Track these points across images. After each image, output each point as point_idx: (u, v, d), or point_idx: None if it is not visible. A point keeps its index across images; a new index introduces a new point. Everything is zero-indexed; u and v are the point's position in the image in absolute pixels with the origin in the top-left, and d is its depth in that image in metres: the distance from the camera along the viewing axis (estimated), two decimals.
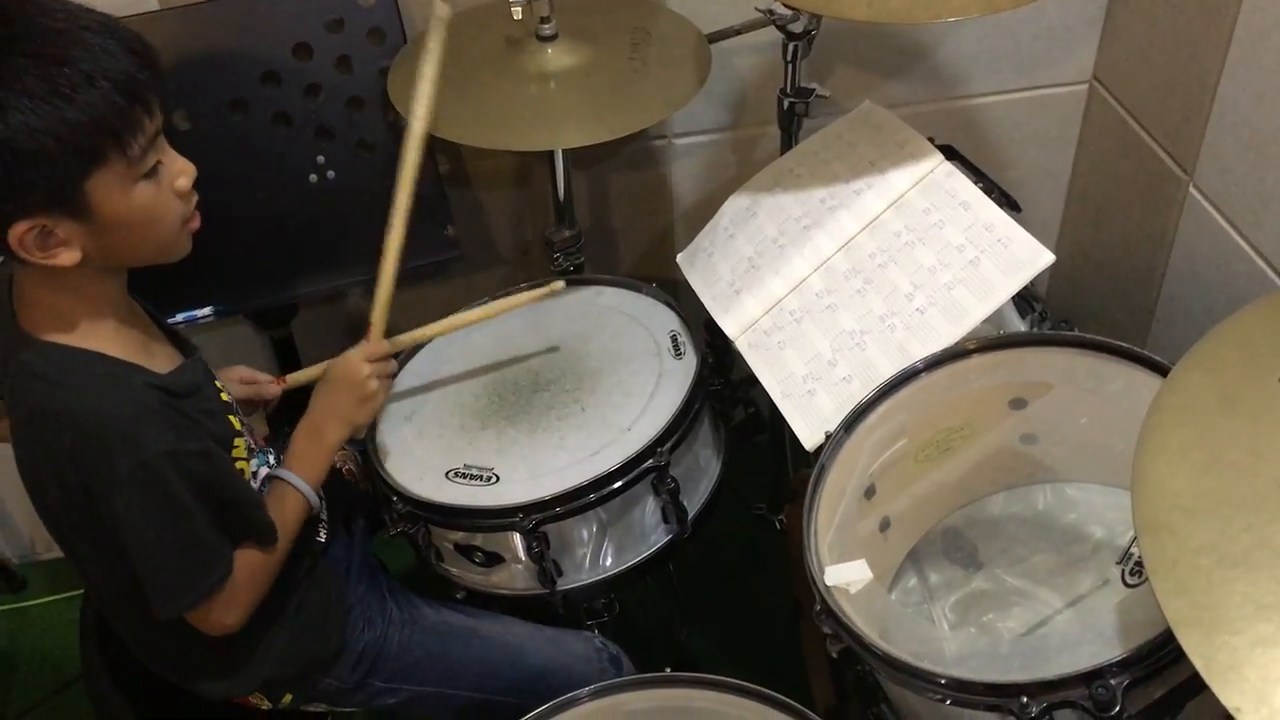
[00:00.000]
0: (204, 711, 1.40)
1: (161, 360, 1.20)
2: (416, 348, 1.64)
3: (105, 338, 1.14)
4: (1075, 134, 2.06)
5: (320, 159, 1.70)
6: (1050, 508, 1.39)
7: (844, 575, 1.14)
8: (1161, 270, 1.87)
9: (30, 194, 1.01)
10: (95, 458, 1.08)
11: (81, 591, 1.51)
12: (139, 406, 1.10)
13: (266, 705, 1.39)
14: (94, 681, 1.44)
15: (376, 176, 1.73)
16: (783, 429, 1.92)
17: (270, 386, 1.50)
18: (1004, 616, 1.31)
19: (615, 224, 2.03)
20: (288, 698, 1.39)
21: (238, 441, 1.25)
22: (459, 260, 1.82)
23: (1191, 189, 1.75)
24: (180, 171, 1.12)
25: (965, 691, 1.03)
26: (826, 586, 1.14)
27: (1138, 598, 1.11)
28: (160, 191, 1.10)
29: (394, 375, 1.45)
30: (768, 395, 1.59)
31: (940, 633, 1.28)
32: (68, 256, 1.06)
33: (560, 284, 1.52)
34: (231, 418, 1.26)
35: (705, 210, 2.00)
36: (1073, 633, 1.24)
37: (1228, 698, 0.80)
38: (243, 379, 1.49)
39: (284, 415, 1.52)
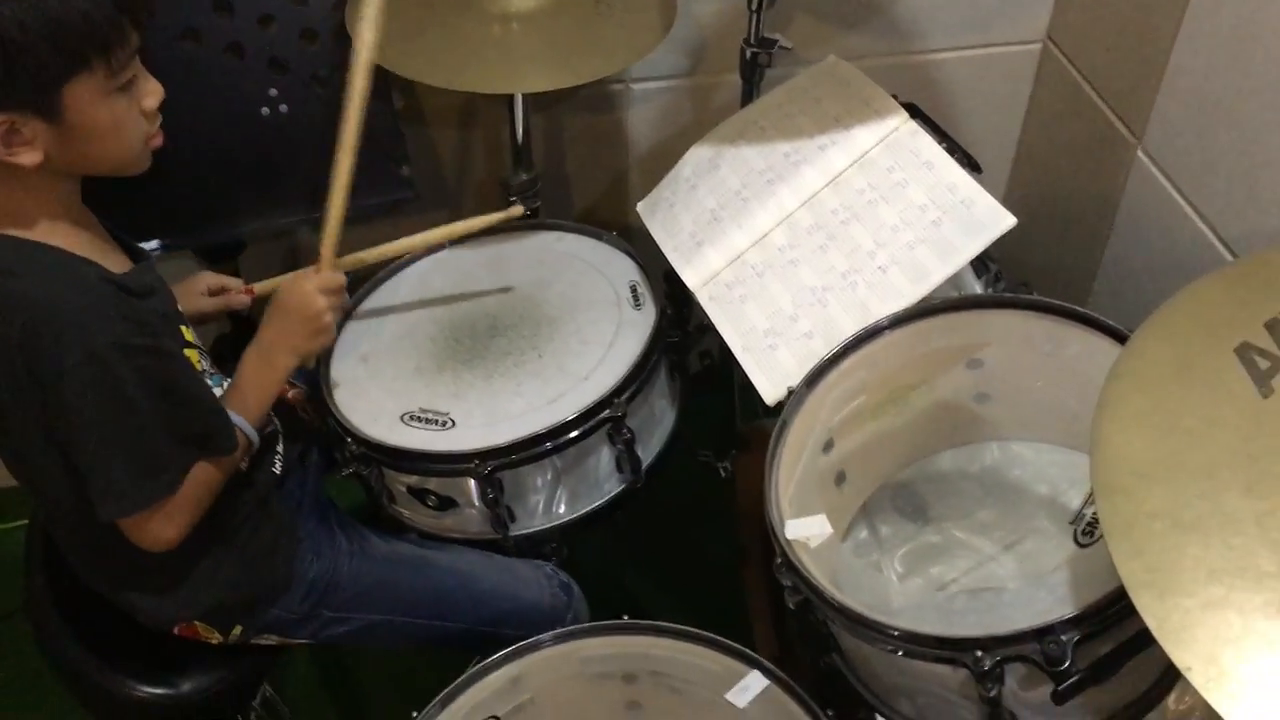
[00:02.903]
0: (154, 647, 1.39)
1: (115, 264, 1.19)
2: (371, 276, 1.63)
3: (60, 234, 1.14)
4: (1026, 93, 2.08)
5: (273, 92, 1.66)
6: (997, 464, 1.42)
7: (804, 529, 1.16)
8: (1106, 232, 1.90)
9: (8, 91, 1.02)
10: (44, 346, 1.08)
11: (23, 523, 1.50)
12: (91, 296, 1.11)
13: (217, 638, 1.39)
14: (38, 613, 1.43)
15: (330, 111, 1.68)
16: (731, 376, 1.94)
17: (239, 296, 1.49)
18: (950, 569, 1.35)
19: (570, 168, 2.02)
20: (238, 629, 1.39)
21: (189, 353, 1.24)
22: (412, 200, 1.80)
23: (1139, 153, 1.78)
24: (150, 91, 1.15)
25: (921, 645, 1.06)
26: (787, 540, 1.15)
27: (1086, 556, 1.14)
28: (130, 107, 1.12)
29: (349, 308, 1.42)
30: (721, 340, 1.60)
31: (892, 586, 1.31)
32: (29, 157, 1.07)
33: (520, 209, 1.52)
34: (184, 329, 1.25)
35: (661, 157, 2.00)
36: (1018, 587, 1.27)
37: (1179, 658, 0.83)
38: (210, 288, 1.48)
39: (228, 349, 1.51)
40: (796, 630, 1.71)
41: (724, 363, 1.96)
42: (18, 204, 1.12)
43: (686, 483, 2.07)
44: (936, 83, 2.03)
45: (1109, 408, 0.99)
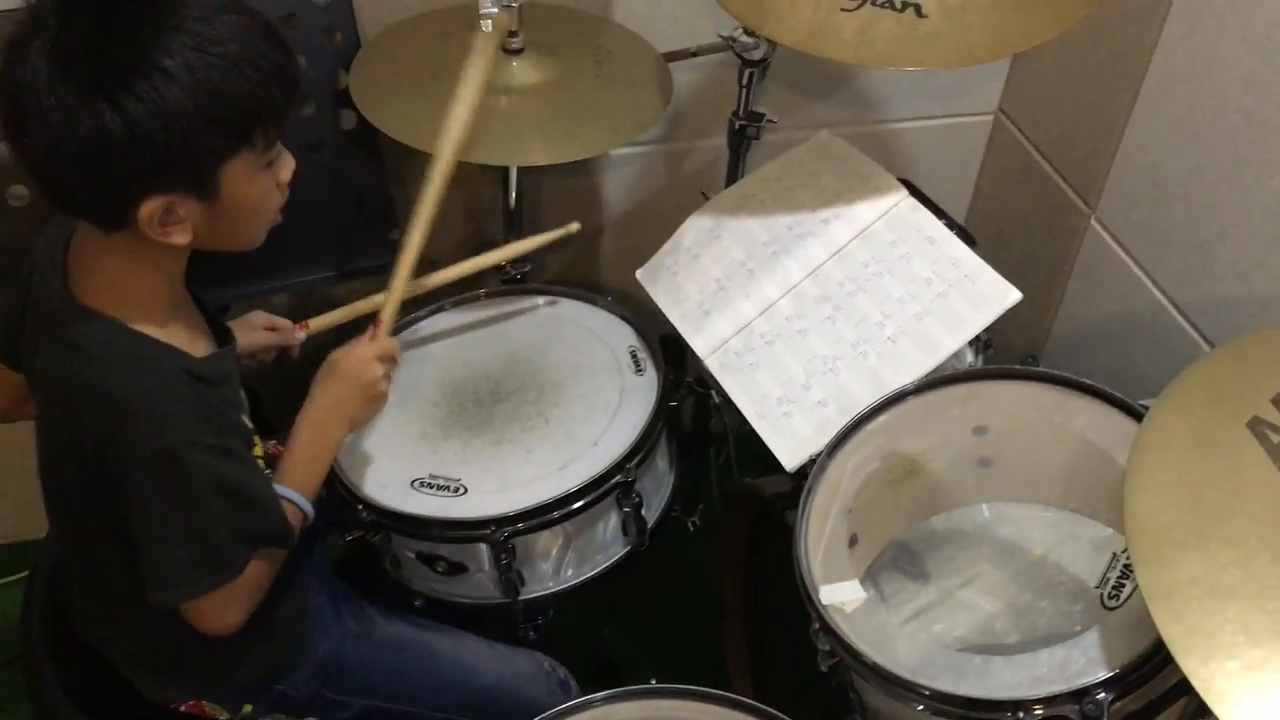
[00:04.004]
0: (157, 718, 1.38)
1: (200, 346, 1.19)
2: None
3: (153, 316, 1.13)
4: (978, 161, 2.18)
5: None
6: (988, 523, 1.48)
7: (839, 595, 1.20)
8: (1059, 295, 2.00)
9: (175, 169, 1.02)
10: (118, 435, 1.07)
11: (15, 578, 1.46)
12: (170, 392, 1.09)
13: (224, 717, 1.38)
14: (36, 677, 1.40)
15: (325, 179, 1.71)
16: (706, 433, 1.99)
17: (295, 332, 1.49)
18: (954, 625, 1.40)
19: (545, 229, 2.05)
20: (248, 709, 1.38)
21: (255, 440, 1.24)
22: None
23: (1093, 221, 1.88)
24: (286, 165, 1.15)
25: (960, 706, 1.10)
26: (823, 605, 1.20)
27: (1112, 617, 1.20)
28: (271, 181, 1.13)
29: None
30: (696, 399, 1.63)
31: (902, 644, 1.36)
32: (181, 236, 1.07)
33: (576, 225, 1.59)
34: (245, 419, 1.24)
35: (634, 221, 2.06)
36: (1020, 642, 1.33)
37: (1228, 718, 0.89)
38: (265, 325, 1.48)
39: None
40: (782, 688, 1.76)
41: (696, 421, 2.01)
42: (124, 280, 1.11)
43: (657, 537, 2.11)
44: (894, 150, 2.12)
45: (1137, 479, 1.06)
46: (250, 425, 1.25)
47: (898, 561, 1.46)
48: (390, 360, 1.38)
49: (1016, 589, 1.41)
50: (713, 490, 2.05)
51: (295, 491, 1.27)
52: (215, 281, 1.70)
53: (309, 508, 1.29)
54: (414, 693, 1.45)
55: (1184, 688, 1.10)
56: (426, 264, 1.95)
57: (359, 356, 1.34)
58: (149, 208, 1.03)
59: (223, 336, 1.26)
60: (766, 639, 1.83)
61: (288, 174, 1.15)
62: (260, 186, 1.11)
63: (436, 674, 1.46)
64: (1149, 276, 1.77)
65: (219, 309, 1.77)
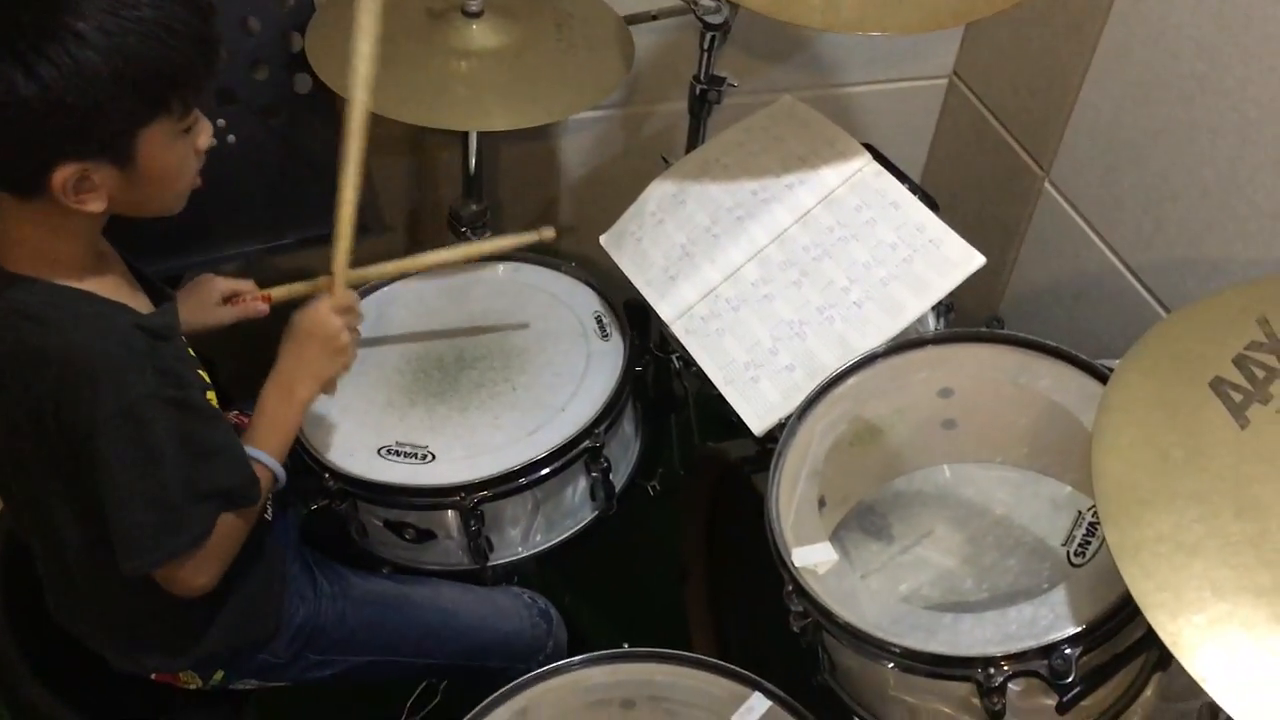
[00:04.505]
0: (125, 690, 1.36)
1: (139, 304, 1.17)
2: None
3: (90, 277, 1.12)
4: (932, 125, 2.20)
5: (220, 122, 1.63)
6: (949, 484, 1.51)
7: (811, 557, 1.21)
8: (1013, 256, 2.03)
9: (90, 136, 1.00)
10: (79, 398, 1.06)
11: None
12: (125, 347, 1.08)
13: (196, 684, 1.37)
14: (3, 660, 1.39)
15: (279, 142, 1.68)
16: (670, 398, 2.00)
17: (255, 304, 1.45)
18: (918, 585, 1.42)
19: (502, 195, 2.04)
20: (219, 675, 1.38)
21: (210, 395, 1.22)
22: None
23: (1047, 184, 1.90)
24: (204, 130, 1.12)
25: (931, 664, 1.12)
26: (796, 568, 1.21)
27: (1078, 575, 1.22)
28: (189, 148, 1.10)
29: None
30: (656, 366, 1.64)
31: (868, 604, 1.38)
32: (96, 203, 1.05)
33: (552, 232, 1.52)
34: (201, 371, 1.22)
35: (592, 185, 2.05)
36: (986, 600, 1.36)
37: (1195, 669, 0.92)
38: (224, 294, 1.44)
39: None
40: (747, 649, 1.78)
41: (656, 381, 2.01)
42: (50, 246, 1.09)
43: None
44: (850, 113, 2.13)
45: (1104, 440, 1.08)
46: (206, 378, 1.23)
47: (862, 522, 1.48)
48: (350, 312, 1.34)
49: (981, 548, 1.43)
50: (673, 454, 2.06)
51: (264, 452, 1.26)
52: (167, 249, 1.69)
53: (279, 469, 1.28)
54: (396, 642, 1.45)
55: (1148, 641, 1.13)
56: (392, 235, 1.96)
57: (316, 311, 1.31)
58: (63, 174, 1.01)
59: (158, 294, 1.25)
60: (730, 601, 1.85)
61: (205, 141, 1.13)
62: (177, 153, 1.09)
63: (416, 621, 1.46)
64: (1102, 239, 1.80)
65: (170, 278, 1.76)
